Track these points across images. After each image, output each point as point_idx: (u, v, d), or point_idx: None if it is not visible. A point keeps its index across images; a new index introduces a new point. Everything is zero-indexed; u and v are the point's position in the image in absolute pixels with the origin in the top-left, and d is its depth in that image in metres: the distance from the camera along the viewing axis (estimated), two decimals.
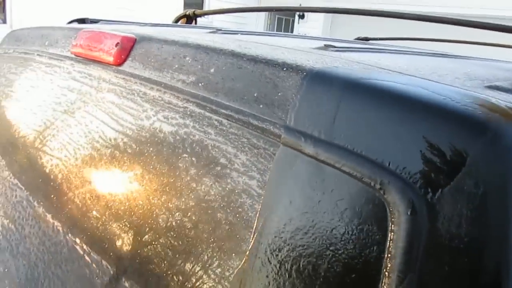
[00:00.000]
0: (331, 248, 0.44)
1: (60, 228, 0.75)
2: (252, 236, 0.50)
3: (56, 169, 0.82)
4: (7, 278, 0.82)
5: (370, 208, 0.42)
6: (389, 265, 0.39)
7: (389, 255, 0.40)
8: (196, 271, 0.55)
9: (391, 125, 0.43)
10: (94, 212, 0.71)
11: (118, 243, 0.66)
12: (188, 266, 0.56)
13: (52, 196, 0.80)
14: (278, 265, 0.47)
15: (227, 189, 0.55)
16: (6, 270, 0.83)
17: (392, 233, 0.40)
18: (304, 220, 0.46)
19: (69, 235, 0.73)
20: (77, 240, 0.72)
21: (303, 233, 0.46)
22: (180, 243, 0.58)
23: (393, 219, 0.40)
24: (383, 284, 0.39)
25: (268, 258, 0.47)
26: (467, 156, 0.39)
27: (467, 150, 0.39)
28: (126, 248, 0.65)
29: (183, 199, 0.59)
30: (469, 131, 0.40)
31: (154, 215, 0.62)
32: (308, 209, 0.47)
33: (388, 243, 0.40)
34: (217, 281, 0.53)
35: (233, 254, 0.52)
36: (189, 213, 0.58)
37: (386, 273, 0.39)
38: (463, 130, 0.40)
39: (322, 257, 0.44)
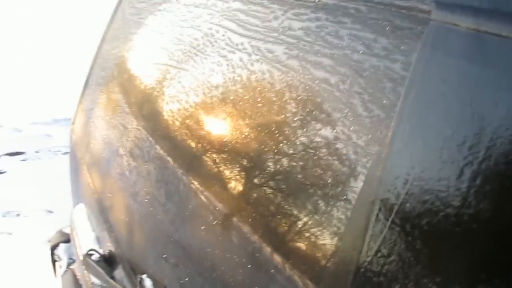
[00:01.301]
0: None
1: (178, 169, 0.78)
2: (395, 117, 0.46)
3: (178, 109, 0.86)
4: (124, 212, 0.89)
5: None
6: None
7: None
8: (304, 215, 0.55)
9: None
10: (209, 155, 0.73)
11: (231, 185, 0.67)
12: (295, 210, 0.56)
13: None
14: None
15: (365, 74, 0.52)
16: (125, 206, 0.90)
17: None
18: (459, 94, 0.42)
19: (186, 175, 0.76)
20: (193, 180, 0.74)
21: (458, 110, 0.42)
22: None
23: None
24: None
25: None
26: None
27: None
28: (237, 190, 0.66)
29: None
30: None
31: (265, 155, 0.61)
32: (464, 82, 0.42)
33: None
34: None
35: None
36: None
37: None
38: None
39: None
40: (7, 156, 4.13)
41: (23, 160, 4.09)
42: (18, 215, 3.21)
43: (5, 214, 3.20)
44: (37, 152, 4.24)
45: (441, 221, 0.40)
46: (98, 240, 1.13)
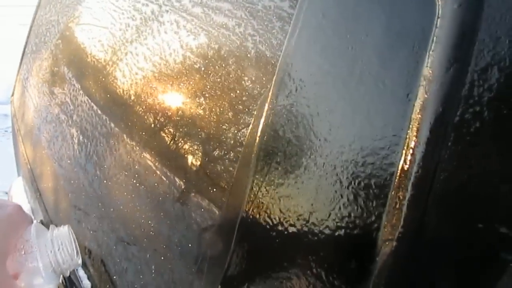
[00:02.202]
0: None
1: (134, 146, 0.75)
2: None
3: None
4: (78, 190, 0.85)
5: None
6: None
7: None
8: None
9: None
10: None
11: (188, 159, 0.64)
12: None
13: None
14: None
15: None
16: (76, 181, 0.86)
17: None
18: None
19: (143, 152, 0.73)
20: (149, 157, 0.71)
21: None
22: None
23: None
24: None
25: None
26: None
27: None
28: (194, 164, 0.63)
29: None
30: None
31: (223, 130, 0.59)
32: (341, 15, 0.41)
33: None
34: None
35: None
36: None
37: None
38: None
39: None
40: None
41: None
42: None
43: None
44: None
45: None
46: (32, 211, 1.10)
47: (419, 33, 0.34)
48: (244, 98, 0.50)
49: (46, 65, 1.14)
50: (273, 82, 0.45)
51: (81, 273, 0.75)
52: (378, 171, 0.34)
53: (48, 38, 1.19)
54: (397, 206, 0.32)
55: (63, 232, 0.47)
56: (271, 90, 0.45)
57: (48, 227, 0.49)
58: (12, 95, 1.55)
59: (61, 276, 0.47)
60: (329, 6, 0.42)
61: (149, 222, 0.64)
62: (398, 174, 0.33)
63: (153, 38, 0.67)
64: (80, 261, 0.47)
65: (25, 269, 0.43)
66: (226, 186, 0.51)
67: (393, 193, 0.33)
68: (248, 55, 0.50)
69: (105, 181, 0.73)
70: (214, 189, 0.54)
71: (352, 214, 0.35)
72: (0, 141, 3.92)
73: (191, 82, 0.58)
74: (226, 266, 0.46)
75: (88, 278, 0.73)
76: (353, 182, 0.35)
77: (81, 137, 0.83)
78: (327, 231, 0.37)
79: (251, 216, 0.44)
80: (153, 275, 0.61)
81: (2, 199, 0.46)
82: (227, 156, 0.52)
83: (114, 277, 0.70)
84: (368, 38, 0.38)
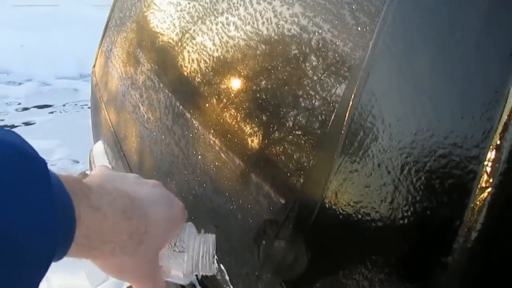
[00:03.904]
0: None
1: (198, 125, 0.80)
2: None
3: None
4: (150, 163, 0.92)
5: None
6: None
7: None
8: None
9: None
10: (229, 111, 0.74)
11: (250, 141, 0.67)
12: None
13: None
14: None
15: None
16: (148, 156, 0.93)
17: None
18: None
19: (206, 132, 0.76)
20: (213, 137, 0.75)
21: None
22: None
23: None
24: None
25: None
26: None
27: None
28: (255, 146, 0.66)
29: None
30: None
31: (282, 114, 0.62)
32: None
33: None
34: None
35: None
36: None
37: None
38: None
39: None
40: (35, 109, 4.29)
41: (51, 112, 4.24)
42: None
43: None
44: (64, 105, 4.38)
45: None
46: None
47: None
48: (336, 68, 0.53)
49: (131, 36, 1.23)
50: (368, 50, 0.48)
51: None
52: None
53: (134, 12, 1.28)
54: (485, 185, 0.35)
55: (211, 240, 0.50)
56: (365, 60, 0.48)
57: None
58: (94, 66, 1.67)
59: (189, 281, 0.53)
60: None
61: (219, 191, 0.69)
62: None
63: (245, 9, 0.72)
64: (215, 271, 0.51)
65: (171, 262, 0.48)
66: (294, 170, 0.55)
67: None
68: (346, 21, 0.53)
69: (192, 142, 0.80)
70: (278, 172, 0.58)
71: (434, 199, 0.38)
72: (71, 114, 4.20)
73: (282, 52, 0.62)
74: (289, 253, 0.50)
75: None
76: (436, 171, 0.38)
77: (168, 101, 0.90)
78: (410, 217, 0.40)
79: (331, 202, 0.47)
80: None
81: (174, 197, 0.49)
82: (306, 138, 0.55)
83: None
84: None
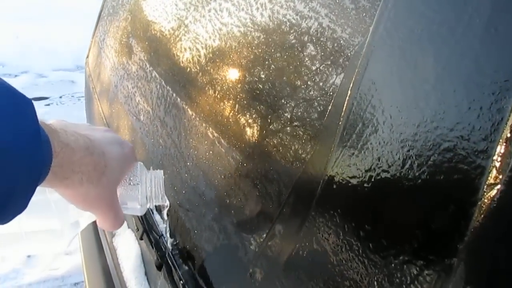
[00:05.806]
0: None
1: (194, 116, 0.77)
2: None
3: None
4: (143, 152, 0.90)
5: None
6: None
7: None
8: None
9: None
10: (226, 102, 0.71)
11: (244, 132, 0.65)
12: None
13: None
14: None
15: None
16: (142, 147, 0.91)
17: None
18: None
19: (202, 123, 0.75)
20: (209, 128, 0.73)
21: None
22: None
23: None
24: None
25: None
26: None
27: None
28: (252, 136, 0.64)
29: None
30: None
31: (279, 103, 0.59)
32: None
33: None
34: None
35: None
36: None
37: None
38: None
39: None
40: (32, 101, 4.24)
41: (47, 105, 4.20)
42: None
43: None
44: (60, 97, 4.33)
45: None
46: None
47: None
48: (333, 55, 0.50)
49: (124, 25, 1.19)
50: (369, 34, 0.45)
51: (158, 217, 0.80)
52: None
53: (126, 0, 1.24)
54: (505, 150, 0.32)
55: (159, 175, 0.57)
56: (366, 43, 0.45)
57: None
58: (87, 57, 1.64)
59: (145, 212, 0.58)
60: None
61: (216, 182, 0.66)
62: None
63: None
64: (167, 202, 0.58)
65: (127, 195, 0.54)
66: (290, 162, 0.52)
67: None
68: (344, 7, 0.50)
69: (183, 133, 0.77)
70: (274, 165, 0.55)
71: (455, 158, 0.35)
72: (67, 105, 4.16)
73: (278, 39, 0.59)
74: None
75: (163, 223, 0.78)
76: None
77: (160, 91, 0.87)
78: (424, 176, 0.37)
79: (327, 197, 0.45)
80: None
81: (122, 138, 0.55)
82: (301, 127, 0.53)
83: (186, 223, 0.74)
84: None
